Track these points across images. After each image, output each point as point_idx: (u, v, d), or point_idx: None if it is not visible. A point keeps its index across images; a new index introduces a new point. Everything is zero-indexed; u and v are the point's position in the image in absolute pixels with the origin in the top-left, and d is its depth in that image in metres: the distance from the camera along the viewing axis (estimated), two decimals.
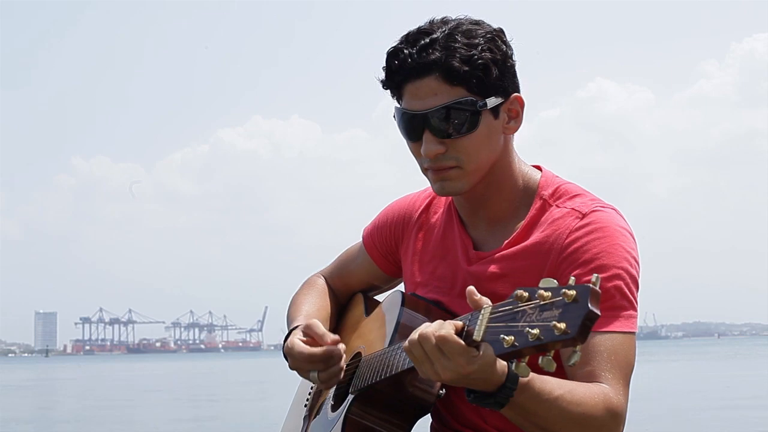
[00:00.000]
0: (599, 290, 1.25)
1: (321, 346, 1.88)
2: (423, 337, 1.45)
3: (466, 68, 1.70)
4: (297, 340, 1.91)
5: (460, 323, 1.43)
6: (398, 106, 1.79)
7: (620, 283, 1.69)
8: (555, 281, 1.29)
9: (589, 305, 1.22)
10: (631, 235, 1.77)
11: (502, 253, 1.81)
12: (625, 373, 1.67)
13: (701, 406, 18.18)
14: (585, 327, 1.23)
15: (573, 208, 1.77)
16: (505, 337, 1.29)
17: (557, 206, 1.80)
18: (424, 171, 1.80)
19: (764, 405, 17.40)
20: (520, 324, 1.28)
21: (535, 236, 1.79)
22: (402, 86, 1.77)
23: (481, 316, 1.37)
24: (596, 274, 1.27)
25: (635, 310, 1.72)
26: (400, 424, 1.76)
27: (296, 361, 1.90)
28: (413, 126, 1.75)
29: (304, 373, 1.91)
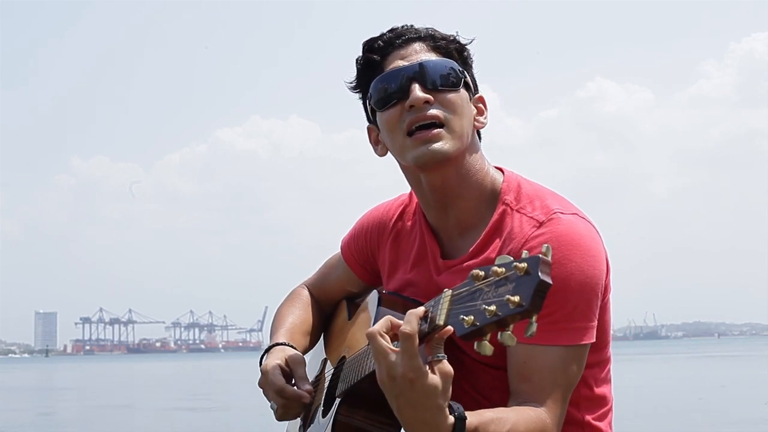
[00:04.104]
0: (550, 260, 1.27)
1: (296, 379, 1.93)
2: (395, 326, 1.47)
3: (446, 42, 1.85)
4: (276, 367, 1.94)
5: (422, 310, 1.44)
6: (379, 76, 1.83)
7: None
8: (510, 257, 1.31)
9: (540, 275, 1.25)
10: (593, 240, 1.74)
11: (467, 263, 1.82)
12: (563, 390, 1.68)
13: (700, 405, 18.18)
14: (537, 297, 1.25)
15: (531, 216, 1.77)
16: (465, 317, 1.31)
17: (517, 211, 1.80)
18: (404, 139, 1.79)
19: (762, 404, 17.40)
20: (478, 302, 1.30)
21: (497, 245, 1.79)
22: (386, 57, 1.84)
23: (442, 300, 1.39)
24: (546, 245, 1.29)
25: (588, 320, 1.71)
26: (388, 422, 1.76)
27: (266, 386, 1.94)
28: (400, 82, 1.79)
29: (265, 397, 1.95)
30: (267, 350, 2.04)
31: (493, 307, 1.27)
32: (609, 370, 1.90)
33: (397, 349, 1.44)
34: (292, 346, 2.03)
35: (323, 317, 2.23)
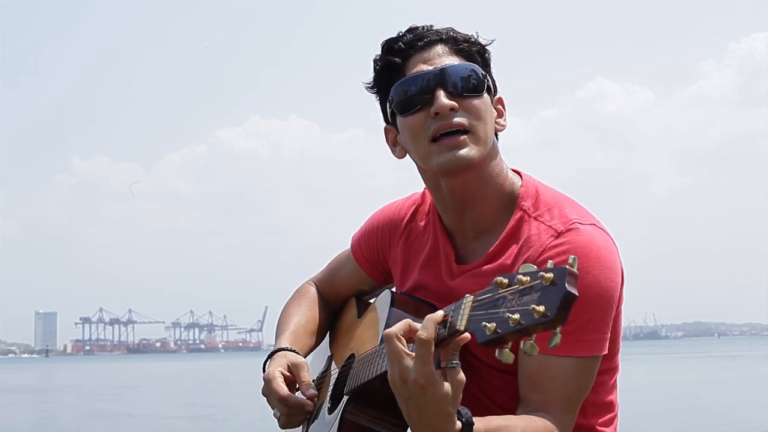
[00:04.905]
0: (576, 272, 1.25)
1: (299, 384, 1.92)
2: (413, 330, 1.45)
3: (468, 44, 1.81)
4: (278, 375, 1.92)
5: (441, 314, 1.43)
6: (401, 80, 1.79)
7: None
8: (534, 266, 1.29)
9: (567, 286, 1.23)
10: (611, 252, 1.73)
11: (481, 268, 1.80)
12: (574, 401, 1.68)
13: (700, 405, 18.18)
14: (563, 308, 1.23)
15: (549, 225, 1.75)
16: (487, 324, 1.29)
17: (535, 219, 1.78)
18: (428, 145, 1.76)
19: (763, 405, 17.40)
20: (501, 310, 1.28)
21: (513, 252, 1.77)
22: (407, 59, 1.80)
23: (463, 305, 1.37)
24: (572, 256, 1.27)
25: (602, 332, 1.70)
26: (395, 422, 1.75)
27: (269, 395, 1.92)
28: (424, 88, 1.75)
29: (270, 404, 1.93)
30: (270, 355, 2.02)
31: (516, 316, 1.25)
32: (616, 377, 1.89)
33: (412, 353, 1.42)
34: (295, 351, 2.01)
35: (330, 314, 2.21)
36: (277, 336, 2.10)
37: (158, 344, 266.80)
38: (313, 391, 1.91)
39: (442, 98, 1.73)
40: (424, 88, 1.75)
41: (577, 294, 1.24)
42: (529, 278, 1.27)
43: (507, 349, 1.29)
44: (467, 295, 1.38)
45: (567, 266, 1.24)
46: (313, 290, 2.24)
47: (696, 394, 21.35)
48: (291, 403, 1.89)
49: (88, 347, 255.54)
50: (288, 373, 1.94)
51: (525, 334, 1.26)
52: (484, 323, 1.30)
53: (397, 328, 1.46)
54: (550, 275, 1.24)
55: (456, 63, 1.77)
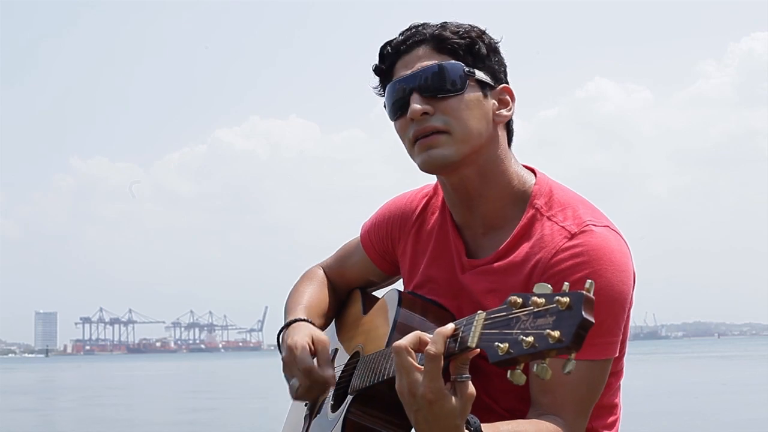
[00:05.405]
0: (593, 297, 1.23)
1: (319, 362, 1.87)
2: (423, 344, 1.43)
3: (454, 38, 1.77)
4: (306, 346, 1.88)
5: (451, 328, 1.41)
6: (387, 87, 1.81)
7: None
8: (549, 287, 1.26)
9: (583, 313, 1.20)
10: (624, 255, 1.72)
11: (492, 265, 1.79)
12: (585, 404, 1.67)
13: (699, 406, 18.18)
14: (579, 335, 1.21)
15: (562, 226, 1.74)
16: (500, 344, 1.27)
17: (548, 218, 1.76)
18: (411, 147, 1.77)
19: (762, 405, 17.40)
20: (515, 331, 1.26)
21: (524, 250, 1.76)
22: (393, 66, 1.81)
23: (475, 322, 1.35)
24: (590, 280, 1.23)
25: (614, 335, 1.70)
26: (400, 423, 1.74)
27: (292, 363, 1.87)
28: (401, 94, 1.76)
29: (288, 373, 1.88)
30: (287, 325, 1.98)
31: (530, 339, 1.23)
32: (621, 380, 1.89)
33: (421, 367, 1.42)
34: (313, 324, 1.98)
35: (338, 302, 2.19)
36: (290, 310, 2.06)
37: (158, 344, 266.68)
38: (332, 372, 1.87)
39: (414, 104, 1.73)
40: (400, 94, 1.76)
41: (593, 321, 1.21)
42: (544, 300, 1.24)
43: (519, 371, 1.27)
44: (479, 312, 1.36)
45: (584, 292, 1.22)
46: (321, 273, 2.22)
47: (696, 395, 21.34)
48: (315, 378, 1.85)
49: (88, 347, 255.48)
50: (312, 346, 1.89)
51: (538, 358, 1.24)
52: (496, 343, 1.27)
53: (407, 340, 1.44)
54: (566, 300, 1.21)
55: (430, 64, 1.75)
